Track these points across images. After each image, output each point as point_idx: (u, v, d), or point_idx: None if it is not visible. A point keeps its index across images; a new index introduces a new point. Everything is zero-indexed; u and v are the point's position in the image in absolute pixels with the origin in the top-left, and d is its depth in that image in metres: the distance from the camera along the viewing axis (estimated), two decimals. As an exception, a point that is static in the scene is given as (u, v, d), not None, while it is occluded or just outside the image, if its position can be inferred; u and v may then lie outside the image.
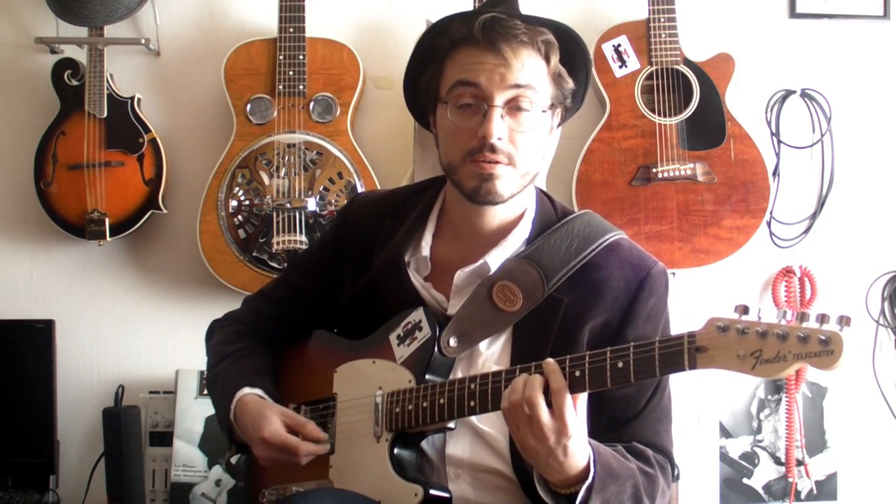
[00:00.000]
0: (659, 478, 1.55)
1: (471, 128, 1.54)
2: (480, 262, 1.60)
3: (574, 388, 1.37)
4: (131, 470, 2.54)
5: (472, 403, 1.48)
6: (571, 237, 1.60)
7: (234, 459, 1.87)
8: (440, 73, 1.59)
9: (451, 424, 1.54)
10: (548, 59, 1.56)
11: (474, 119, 1.54)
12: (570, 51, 1.59)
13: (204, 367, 1.93)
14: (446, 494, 1.55)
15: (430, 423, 1.53)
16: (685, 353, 1.30)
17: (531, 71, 1.53)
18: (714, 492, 2.84)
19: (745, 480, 2.85)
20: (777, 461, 2.85)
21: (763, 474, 2.86)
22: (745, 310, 1.26)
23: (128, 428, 2.54)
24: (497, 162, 1.53)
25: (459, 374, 1.59)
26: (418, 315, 1.60)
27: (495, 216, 1.62)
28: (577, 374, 1.37)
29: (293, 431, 1.62)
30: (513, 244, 1.62)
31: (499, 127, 1.52)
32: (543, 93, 1.56)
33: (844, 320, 1.20)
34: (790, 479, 2.83)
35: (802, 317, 1.22)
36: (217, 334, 1.89)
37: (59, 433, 2.61)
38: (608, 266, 1.59)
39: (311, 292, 1.80)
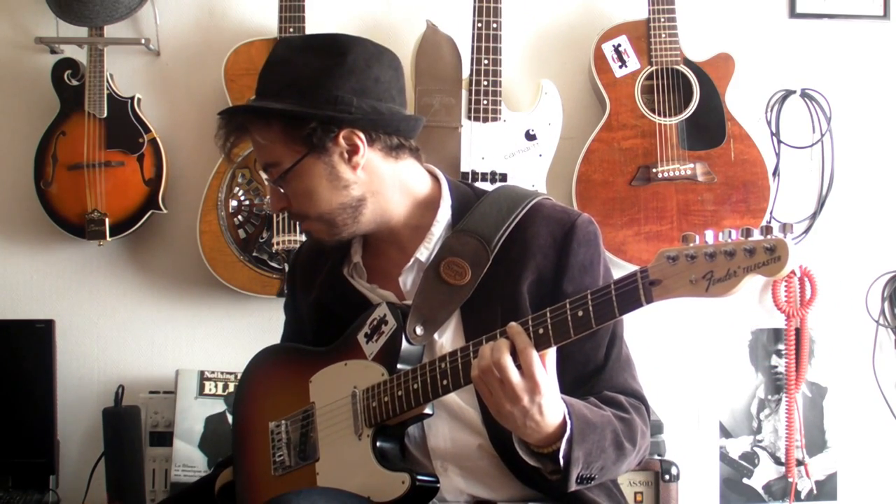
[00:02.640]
0: (636, 420, 1.57)
1: None
2: (412, 260, 1.66)
3: (540, 346, 1.40)
4: (131, 470, 2.54)
5: (444, 382, 1.50)
6: (499, 202, 1.65)
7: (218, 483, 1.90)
8: None
9: (428, 409, 1.56)
10: (246, 136, 1.65)
11: None
12: (262, 114, 1.62)
13: (203, 367, 1.96)
14: (432, 478, 1.57)
15: (407, 409, 1.55)
16: (640, 288, 1.32)
17: (259, 152, 1.65)
18: (714, 492, 2.84)
19: (745, 480, 2.86)
20: (777, 461, 2.85)
21: (763, 474, 2.86)
22: (692, 238, 1.29)
23: (128, 428, 2.54)
24: (299, 223, 1.70)
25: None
26: (382, 310, 1.63)
27: (395, 225, 1.68)
28: (541, 331, 1.40)
29: None
30: (437, 233, 1.67)
31: (273, 200, 1.67)
32: (280, 156, 1.61)
33: (787, 227, 1.23)
34: (790, 479, 2.83)
35: (747, 233, 1.24)
36: None
37: (59, 433, 2.61)
38: (534, 225, 1.63)
39: (296, 328, 1.89)
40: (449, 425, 1.61)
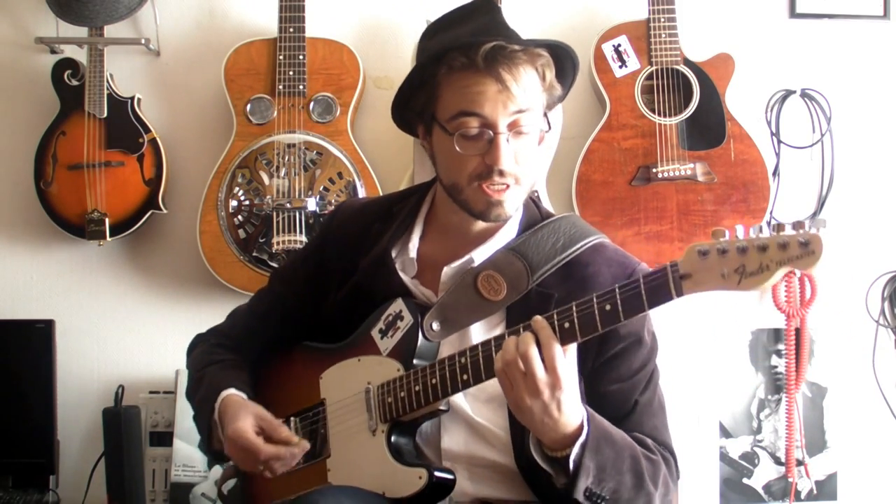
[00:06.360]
0: (662, 466, 1.56)
1: (476, 154, 1.55)
2: (466, 257, 1.62)
3: (565, 340, 1.40)
4: (131, 470, 2.54)
5: (465, 377, 1.50)
6: (557, 234, 1.62)
7: (225, 488, 1.84)
8: (435, 96, 1.58)
9: (444, 406, 1.56)
10: (543, 78, 1.58)
11: (479, 145, 1.54)
12: (561, 62, 1.61)
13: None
14: (450, 476, 1.56)
15: (424, 405, 1.54)
16: (670, 281, 1.33)
17: (529, 94, 1.55)
18: (714, 492, 2.84)
19: (745, 480, 2.86)
20: (777, 461, 2.85)
21: (763, 474, 2.86)
22: (722, 234, 1.30)
23: (128, 428, 2.54)
24: (506, 186, 1.55)
25: None
26: (398, 306, 1.62)
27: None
28: (567, 325, 1.40)
29: (266, 435, 1.61)
30: (499, 242, 1.63)
31: (507, 154, 1.53)
32: (538, 110, 1.57)
33: (820, 222, 1.25)
34: (790, 479, 2.83)
35: (779, 227, 1.26)
36: (200, 347, 1.87)
37: (59, 433, 2.62)
38: (595, 263, 1.61)
39: (295, 304, 1.79)
40: (466, 433, 1.60)
